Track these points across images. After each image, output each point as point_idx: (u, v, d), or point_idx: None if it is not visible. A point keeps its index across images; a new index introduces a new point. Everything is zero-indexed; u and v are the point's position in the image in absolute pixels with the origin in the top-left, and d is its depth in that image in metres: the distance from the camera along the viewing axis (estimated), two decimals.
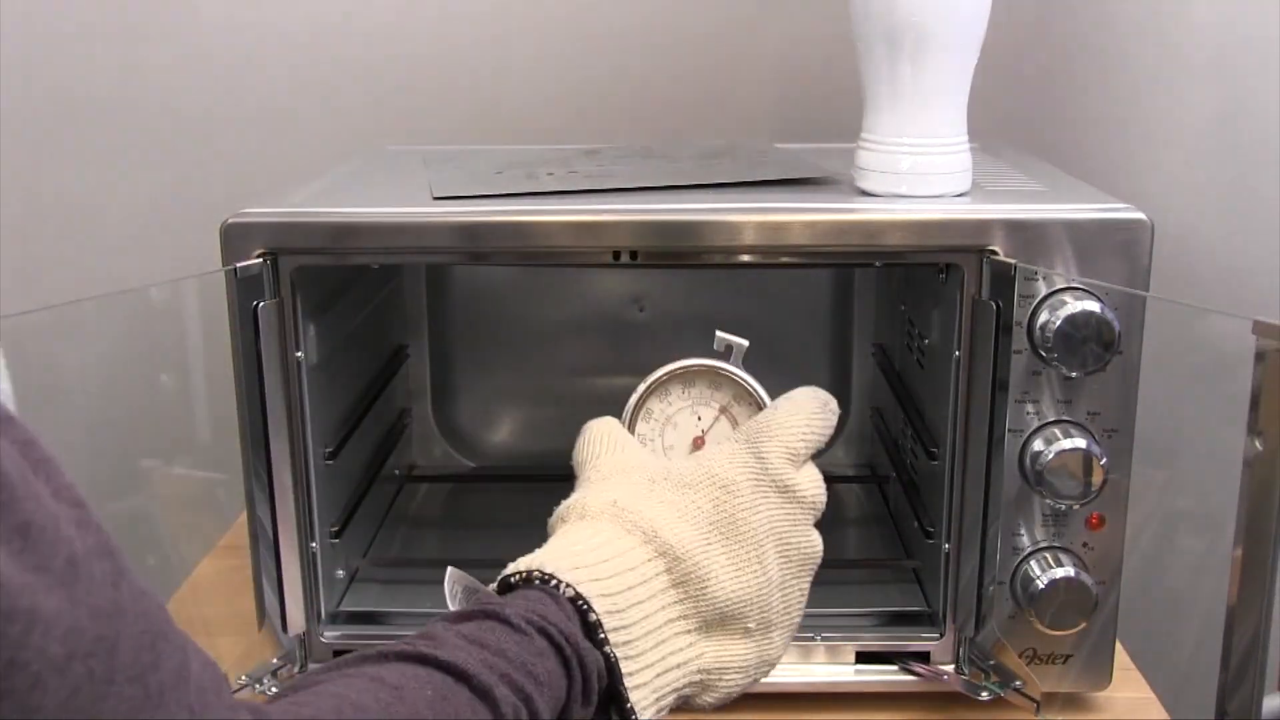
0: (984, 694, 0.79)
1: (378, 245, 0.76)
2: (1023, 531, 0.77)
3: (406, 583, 0.91)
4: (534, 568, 0.56)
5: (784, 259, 0.77)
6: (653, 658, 0.57)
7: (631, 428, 0.70)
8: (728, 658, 0.60)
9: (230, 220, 0.75)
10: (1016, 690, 0.79)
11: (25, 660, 0.33)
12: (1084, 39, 1.10)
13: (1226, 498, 0.60)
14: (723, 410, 0.70)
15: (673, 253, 0.77)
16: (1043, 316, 0.72)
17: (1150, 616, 1.01)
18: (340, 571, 0.88)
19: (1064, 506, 0.76)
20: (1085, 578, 0.76)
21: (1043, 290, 0.73)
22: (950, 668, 0.81)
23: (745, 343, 0.70)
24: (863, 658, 0.82)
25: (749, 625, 0.61)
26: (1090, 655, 0.79)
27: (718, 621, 0.60)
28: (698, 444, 0.69)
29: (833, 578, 0.92)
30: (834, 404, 0.66)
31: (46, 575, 0.35)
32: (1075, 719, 0.80)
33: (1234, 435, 0.59)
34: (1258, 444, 0.58)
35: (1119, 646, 0.80)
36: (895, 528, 1.00)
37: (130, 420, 0.94)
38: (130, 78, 1.19)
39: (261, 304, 0.75)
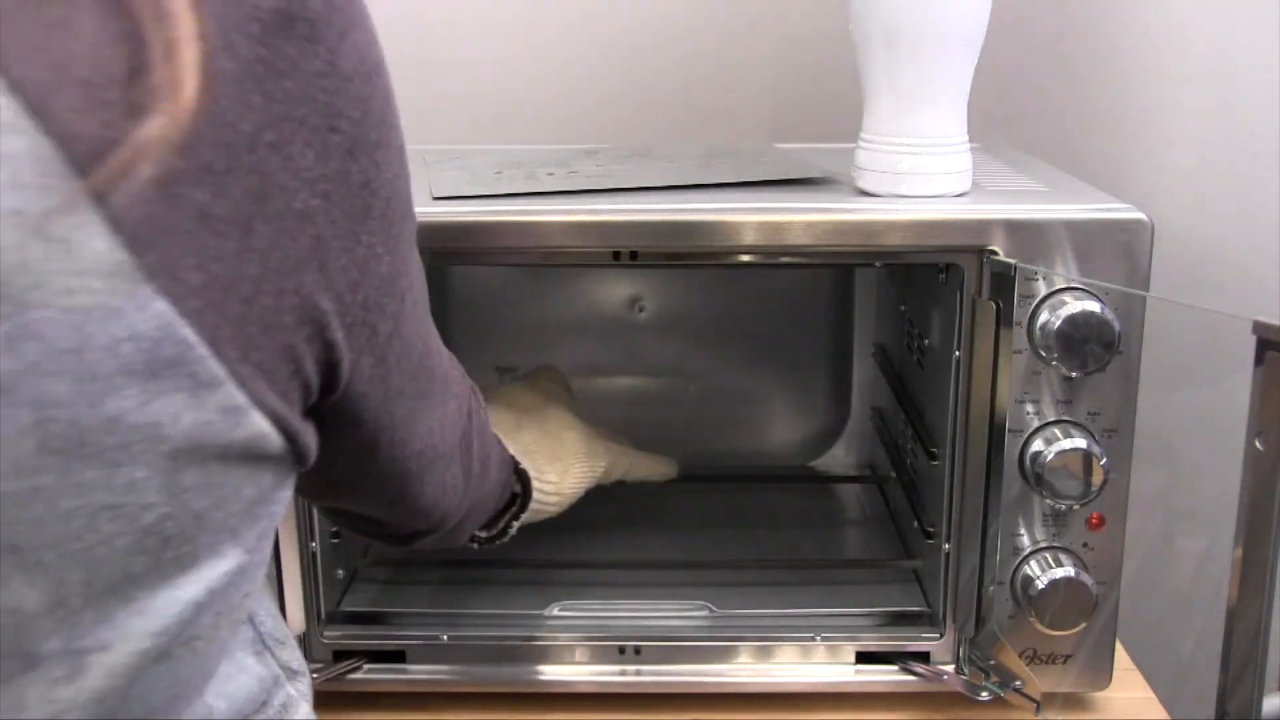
0: (984, 694, 0.79)
1: None
2: (1023, 531, 0.77)
3: (406, 583, 0.92)
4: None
5: (784, 259, 0.77)
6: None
7: None
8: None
9: None
10: (1016, 690, 0.79)
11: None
12: (1083, 39, 1.10)
13: (1226, 498, 0.60)
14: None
15: (673, 253, 0.77)
16: (1043, 316, 0.72)
17: (1150, 616, 1.01)
18: (340, 571, 0.88)
19: (1064, 506, 0.76)
20: (1085, 578, 0.76)
21: (1043, 290, 0.73)
22: (950, 668, 0.81)
23: None
24: (863, 658, 0.82)
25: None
26: (1090, 655, 0.79)
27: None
28: None
29: (833, 578, 0.93)
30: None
31: None
32: (1075, 719, 0.80)
33: (1234, 435, 0.59)
34: (1258, 444, 0.58)
35: (1119, 646, 0.80)
36: (895, 528, 1.00)
37: None
38: None
39: None
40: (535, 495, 0.80)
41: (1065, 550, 0.77)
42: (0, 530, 0.36)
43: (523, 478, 0.79)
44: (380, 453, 0.53)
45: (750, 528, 1.01)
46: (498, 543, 0.80)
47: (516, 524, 0.80)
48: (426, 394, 0.56)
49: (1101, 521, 0.76)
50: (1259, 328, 0.57)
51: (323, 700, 0.82)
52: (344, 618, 0.86)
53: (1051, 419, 0.75)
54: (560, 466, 0.83)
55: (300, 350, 0.42)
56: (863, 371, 1.11)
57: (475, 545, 0.79)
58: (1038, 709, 0.78)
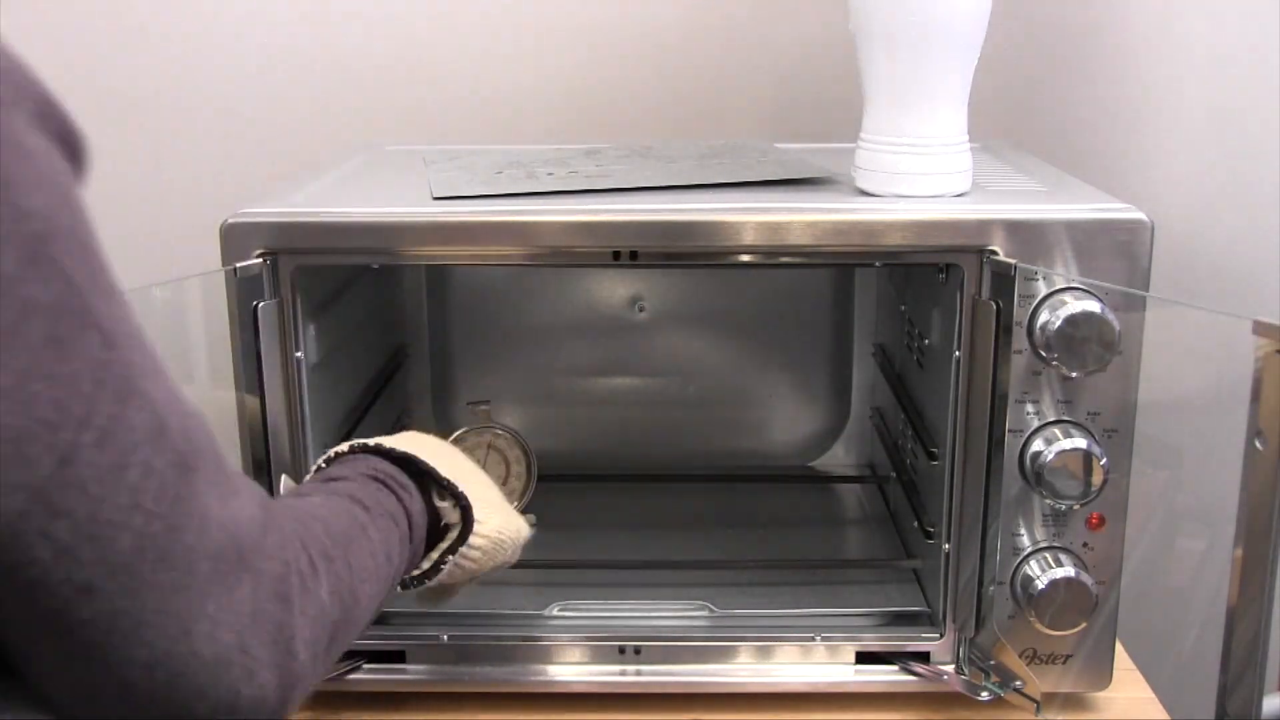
0: (984, 694, 0.79)
1: (378, 245, 0.76)
2: (1023, 531, 0.77)
3: None
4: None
5: (784, 259, 0.77)
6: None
7: None
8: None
9: (230, 220, 0.75)
10: (1016, 690, 0.79)
11: None
12: (1083, 39, 1.10)
13: (1227, 497, 0.60)
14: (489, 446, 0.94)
15: (673, 253, 0.77)
16: (1043, 316, 0.72)
17: (1150, 616, 1.00)
18: None
19: (1064, 506, 0.76)
20: (1085, 578, 0.76)
21: (1043, 290, 0.73)
22: (950, 668, 0.81)
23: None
24: (863, 658, 0.82)
25: None
26: (1090, 655, 0.79)
27: None
28: None
29: (833, 578, 0.93)
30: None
31: None
32: (1075, 719, 0.80)
33: (1234, 435, 0.59)
34: (1258, 444, 0.58)
35: (1119, 646, 0.80)
36: (895, 528, 1.00)
37: None
38: (129, 78, 1.19)
39: (261, 304, 0.75)
40: (474, 529, 0.69)
41: (1065, 550, 0.77)
42: None
43: (461, 503, 0.69)
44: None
45: (750, 528, 1.01)
46: (426, 583, 0.69)
47: (452, 559, 0.69)
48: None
49: (1102, 521, 0.76)
50: (1259, 328, 0.57)
51: (323, 700, 0.82)
52: None
53: (1051, 419, 0.75)
54: (504, 513, 0.73)
55: None
56: (863, 371, 1.11)
57: (399, 589, 0.69)
58: (1038, 709, 0.78)
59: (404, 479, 0.67)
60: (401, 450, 0.68)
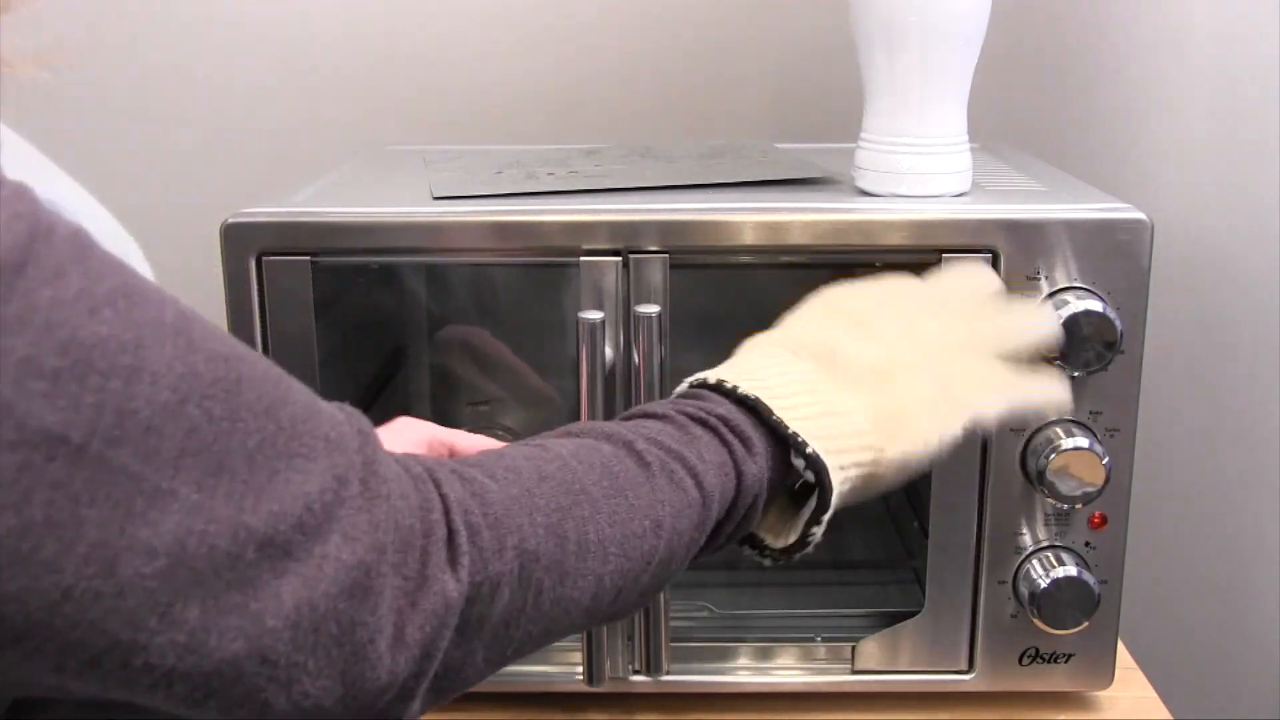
0: None
1: (377, 245, 0.76)
2: (1024, 531, 0.77)
3: None
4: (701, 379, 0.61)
5: (784, 259, 0.77)
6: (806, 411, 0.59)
7: None
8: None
9: (230, 220, 0.75)
10: None
11: (134, 409, 0.36)
12: (1084, 39, 1.10)
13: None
14: None
15: (673, 252, 0.77)
16: None
17: (1152, 615, 1.01)
18: None
19: (1066, 506, 0.76)
20: (1087, 577, 0.76)
21: (1044, 290, 0.73)
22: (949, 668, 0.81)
23: None
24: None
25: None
26: (1092, 654, 0.79)
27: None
28: None
29: (833, 578, 0.92)
30: None
31: (158, 328, 0.37)
32: (1077, 718, 0.80)
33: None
34: None
35: (1120, 645, 0.80)
36: (895, 528, 1.00)
37: None
38: (129, 77, 1.19)
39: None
40: (833, 498, 0.57)
41: (1067, 549, 0.77)
42: None
43: (814, 465, 0.57)
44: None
45: None
46: (794, 557, 0.61)
47: (820, 527, 0.59)
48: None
49: (1104, 520, 0.76)
50: None
51: None
52: None
53: (1053, 418, 0.75)
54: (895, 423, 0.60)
55: None
56: None
57: (766, 564, 0.62)
58: None
59: (746, 426, 0.56)
60: (743, 392, 0.58)
